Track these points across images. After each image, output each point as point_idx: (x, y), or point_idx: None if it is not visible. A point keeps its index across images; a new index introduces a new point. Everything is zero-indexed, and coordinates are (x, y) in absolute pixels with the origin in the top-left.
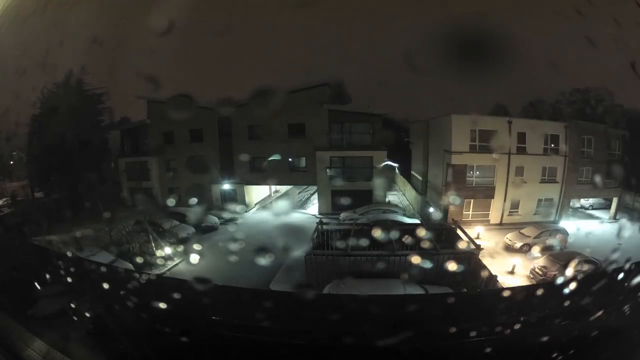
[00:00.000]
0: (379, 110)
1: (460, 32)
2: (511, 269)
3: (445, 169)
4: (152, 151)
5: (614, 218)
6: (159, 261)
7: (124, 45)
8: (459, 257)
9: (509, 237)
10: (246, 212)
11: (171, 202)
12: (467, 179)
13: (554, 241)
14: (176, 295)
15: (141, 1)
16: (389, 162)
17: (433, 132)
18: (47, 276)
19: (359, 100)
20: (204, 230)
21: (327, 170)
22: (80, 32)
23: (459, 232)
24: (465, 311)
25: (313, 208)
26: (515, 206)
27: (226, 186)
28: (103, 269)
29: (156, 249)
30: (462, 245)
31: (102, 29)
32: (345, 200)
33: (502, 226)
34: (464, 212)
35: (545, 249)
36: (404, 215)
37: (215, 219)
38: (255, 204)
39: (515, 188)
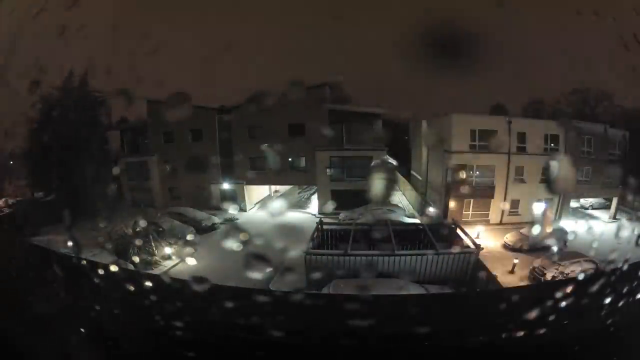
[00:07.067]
0: (378, 110)
1: (460, 32)
2: (511, 269)
3: (445, 168)
4: (152, 151)
5: (614, 218)
6: (158, 261)
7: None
8: (459, 257)
9: (508, 237)
10: (246, 211)
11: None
12: (467, 178)
13: (553, 241)
14: (175, 295)
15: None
16: (388, 159)
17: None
18: (47, 276)
19: (358, 100)
20: (203, 230)
21: (327, 170)
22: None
23: (459, 232)
24: (465, 311)
25: (312, 207)
26: (515, 206)
27: (226, 186)
28: (103, 269)
29: (156, 249)
30: (462, 245)
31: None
32: (345, 200)
33: (502, 226)
34: (464, 212)
35: (545, 249)
36: (404, 215)
37: (215, 219)
38: (255, 204)
39: (515, 188)
